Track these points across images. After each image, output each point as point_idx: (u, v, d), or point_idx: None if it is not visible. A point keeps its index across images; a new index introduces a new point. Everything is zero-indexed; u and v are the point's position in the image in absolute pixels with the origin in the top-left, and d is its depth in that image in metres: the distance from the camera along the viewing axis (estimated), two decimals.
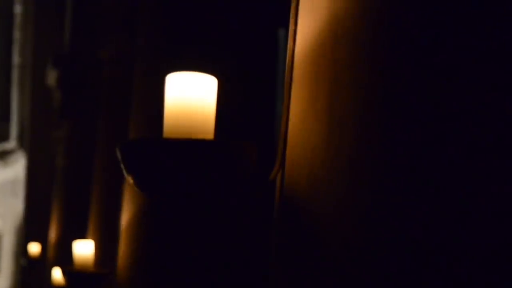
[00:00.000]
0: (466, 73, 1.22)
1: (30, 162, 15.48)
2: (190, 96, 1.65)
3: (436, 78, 1.27)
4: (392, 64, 1.38)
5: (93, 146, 7.61)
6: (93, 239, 6.10)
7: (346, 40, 1.56)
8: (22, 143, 16.80)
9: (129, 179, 1.65)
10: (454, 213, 1.21)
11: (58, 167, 10.46)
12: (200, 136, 1.64)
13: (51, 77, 10.59)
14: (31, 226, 14.57)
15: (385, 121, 1.38)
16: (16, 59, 17.46)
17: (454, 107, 1.23)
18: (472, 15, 1.23)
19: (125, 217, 4.77)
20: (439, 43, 1.27)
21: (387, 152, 1.37)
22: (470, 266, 1.18)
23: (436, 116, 1.26)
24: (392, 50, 1.39)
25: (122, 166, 1.65)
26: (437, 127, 1.26)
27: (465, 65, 1.23)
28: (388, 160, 1.36)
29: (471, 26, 1.23)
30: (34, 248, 11.32)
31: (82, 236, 6.83)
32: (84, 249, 5.45)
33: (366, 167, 1.43)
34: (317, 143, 1.64)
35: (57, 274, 7.41)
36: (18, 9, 17.50)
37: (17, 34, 17.47)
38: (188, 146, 1.58)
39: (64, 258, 7.72)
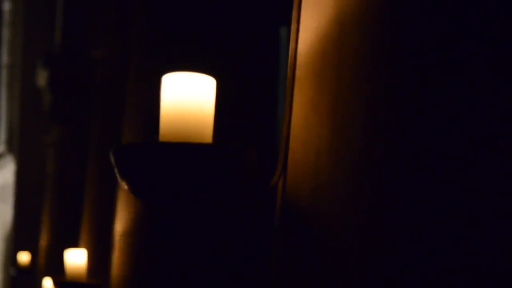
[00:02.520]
0: (475, 72, 1.23)
1: (20, 166, 15.48)
2: (188, 98, 1.65)
3: (445, 78, 1.27)
4: (400, 64, 1.38)
5: (85, 150, 7.61)
6: (85, 247, 6.10)
7: (352, 39, 1.56)
8: (11, 147, 16.82)
9: (124, 185, 1.65)
10: (461, 216, 1.21)
11: (49, 172, 10.46)
12: (198, 140, 1.64)
13: (42, 77, 10.59)
14: (21, 234, 14.57)
15: (392, 123, 1.38)
16: (4, 58, 17.48)
17: (463, 109, 1.23)
18: (478, 13, 1.23)
19: (120, 224, 4.76)
20: (448, 41, 1.28)
21: (393, 155, 1.37)
22: (476, 269, 1.18)
23: (444, 118, 1.26)
24: (400, 49, 1.39)
25: (116, 171, 1.65)
26: (445, 129, 1.26)
27: (474, 64, 1.23)
28: (394, 163, 1.36)
29: (478, 24, 1.23)
30: (23, 257, 11.31)
31: (74, 244, 6.83)
32: (76, 258, 5.46)
33: (372, 171, 1.43)
34: (321, 146, 1.65)
35: (48, 284, 7.41)
36: (6, 6, 17.53)
37: (5, 33, 17.49)
38: (185, 150, 1.58)
39: (55, 267, 7.72)
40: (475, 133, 1.21)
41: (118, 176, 1.65)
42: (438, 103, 1.28)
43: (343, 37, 1.60)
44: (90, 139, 7.32)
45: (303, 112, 1.76)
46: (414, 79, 1.34)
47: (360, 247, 1.45)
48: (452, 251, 1.22)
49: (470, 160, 1.21)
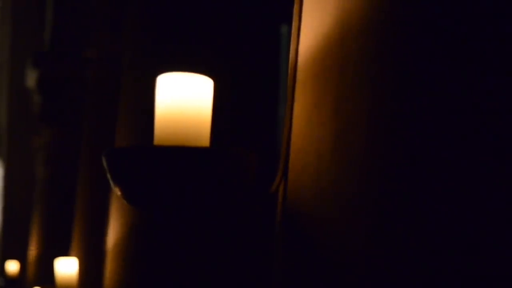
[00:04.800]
0: (481, 72, 1.23)
1: (8, 171, 15.48)
2: (184, 99, 1.66)
3: (448, 76, 1.28)
4: (404, 64, 1.39)
5: (76, 154, 7.61)
6: (77, 256, 6.10)
7: (354, 38, 1.56)
8: None
9: (116, 191, 1.66)
10: (468, 219, 1.21)
11: (39, 177, 10.46)
12: (195, 144, 1.65)
13: (31, 78, 10.59)
14: (9, 241, 14.57)
15: (396, 124, 1.39)
16: None
17: (469, 106, 1.24)
18: (479, 13, 1.24)
19: (113, 232, 4.76)
20: (453, 40, 1.28)
21: (398, 157, 1.37)
22: (485, 270, 1.18)
23: (449, 118, 1.27)
24: (404, 48, 1.39)
25: (108, 176, 1.65)
26: (451, 130, 1.26)
27: (479, 64, 1.23)
28: (399, 166, 1.37)
29: (480, 23, 1.23)
30: (12, 266, 11.32)
31: (65, 253, 6.83)
32: (67, 268, 5.46)
33: (375, 174, 1.43)
34: (323, 149, 1.65)
35: None
36: None
37: None
38: (181, 155, 1.58)
39: (45, 277, 7.72)
40: (482, 135, 1.21)
41: (110, 181, 1.65)
42: (443, 103, 1.28)
43: (345, 36, 1.60)
44: (82, 142, 7.32)
45: (305, 113, 1.77)
46: (418, 79, 1.34)
47: (364, 253, 1.45)
48: (459, 255, 1.22)
49: (478, 162, 1.21)
